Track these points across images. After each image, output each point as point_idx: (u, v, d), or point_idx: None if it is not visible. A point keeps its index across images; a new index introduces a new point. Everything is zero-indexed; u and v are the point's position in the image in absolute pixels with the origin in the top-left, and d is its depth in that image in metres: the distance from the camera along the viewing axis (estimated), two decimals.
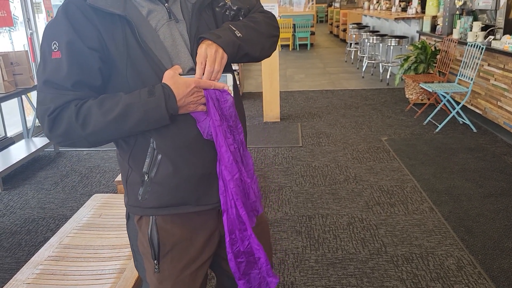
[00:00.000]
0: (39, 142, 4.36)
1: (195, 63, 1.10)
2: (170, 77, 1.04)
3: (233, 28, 1.15)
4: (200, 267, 1.21)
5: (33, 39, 5.04)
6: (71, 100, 1.01)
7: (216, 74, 1.07)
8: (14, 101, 4.22)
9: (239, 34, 1.14)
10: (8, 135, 4.65)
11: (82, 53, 1.01)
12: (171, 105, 1.02)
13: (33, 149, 4.14)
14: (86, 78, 1.03)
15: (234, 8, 1.24)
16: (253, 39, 1.18)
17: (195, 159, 1.12)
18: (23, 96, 4.20)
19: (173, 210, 1.15)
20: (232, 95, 1.11)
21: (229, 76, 1.12)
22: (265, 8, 1.35)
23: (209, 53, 1.06)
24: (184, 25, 1.14)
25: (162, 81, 1.05)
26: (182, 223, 1.17)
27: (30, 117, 4.68)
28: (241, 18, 1.25)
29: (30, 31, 4.99)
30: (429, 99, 5.59)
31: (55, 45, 1.02)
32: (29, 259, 1.83)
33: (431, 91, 4.92)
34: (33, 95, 4.65)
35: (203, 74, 1.06)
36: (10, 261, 2.63)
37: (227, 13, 1.23)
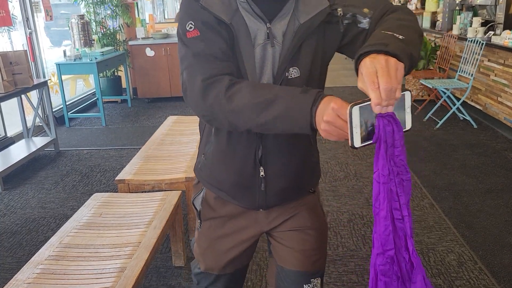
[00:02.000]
0: (39, 141, 4.36)
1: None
2: (332, 97, 0.91)
3: (389, 32, 0.92)
4: (234, 247, 1.30)
5: (32, 39, 5.04)
6: (225, 72, 1.03)
7: (395, 93, 0.79)
8: (13, 101, 4.21)
9: (401, 36, 0.91)
10: (8, 135, 4.65)
11: (216, 31, 1.06)
12: (315, 111, 0.90)
13: (33, 149, 4.14)
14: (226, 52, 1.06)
15: (347, 16, 1.08)
16: (415, 40, 0.96)
17: (232, 167, 1.19)
18: (23, 96, 4.20)
19: (216, 192, 1.26)
20: (411, 125, 0.86)
21: (408, 95, 0.85)
22: None
23: (379, 66, 0.80)
24: (279, 49, 1.07)
25: None
26: (223, 205, 1.27)
27: (30, 116, 4.67)
28: (360, 26, 1.07)
29: (29, 30, 4.99)
30: (429, 95, 5.58)
31: (190, 25, 1.06)
32: (30, 259, 1.83)
33: (431, 87, 4.91)
34: (33, 94, 4.65)
35: (381, 96, 0.79)
36: (11, 261, 2.63)
37: (340, 24, 1.08)
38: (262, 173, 1.17)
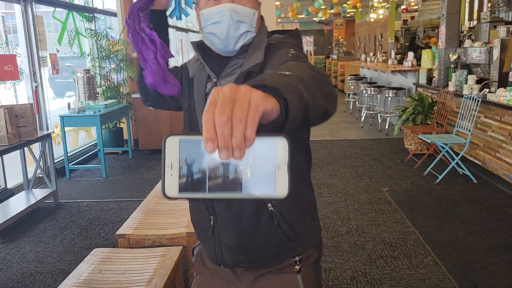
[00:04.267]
0: (39, 193, 4.34)
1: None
2: None
3: (278, 72, 0.76)
4: None
5: (38, 92, 5.15)
6: None
7: (241, 131, 0.50)
8: (15, 152, 4.24)
9: (287, 72, 0.75)
10: (8, 186, 4.64)
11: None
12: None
13: (33, 201, 4.12)
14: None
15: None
16: (309, 82, 0.76)
17: (194, 210, 1.28)
18: (25, 147, 4.24)
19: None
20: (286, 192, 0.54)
21: (281, 142, 0.54)
22: None
23: (222, 93, 0.52)
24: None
25: None
26: (208, 259, 1.31)
27: (31, 168, 4.68)
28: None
29: (36, 84, 5.10)
30: (428, 150, 5.63)
31: None
32: None
33: (430, 142, 4.97)
34: (35, 146, 4.69)
35: (214, 130, 0.52)
36: None
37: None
38: (211, 222, 1.20)
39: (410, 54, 8.27)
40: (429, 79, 6.74)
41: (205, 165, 0.53)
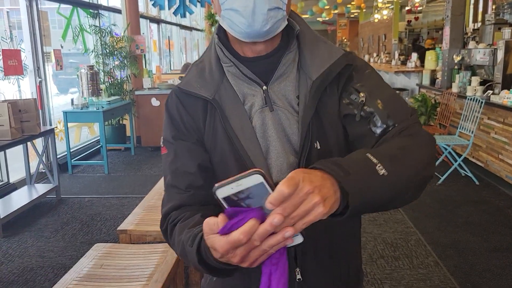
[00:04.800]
0: (41, 188, 4.35)
1: (300, 162, 0.89)
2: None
3: (373, 159, 0.71)
4: None
5: (42, 87, 5.16)
6: (178, 204, 0.92)
7: (303, 210, 0.59)
8: (18, 147, 4.25)
9: (383, 171, 0.70)
10: (11, 180, 4.65)
11: (183, 148, 0.95)
12: (210, 258, 0.71)
13: (35, 196, 4.13)
14: (189, 177, 0.93)
15: (367, 110, 0.87)
16: (402, 180, 0.73)
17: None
18: (28, 142, 4.25)
19: None
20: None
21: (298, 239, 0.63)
22: None
23: (304, 184, 0.59)
24: (285, 112, 0.91)
25: None
26: None
27: (34, 162, 4.70)
28: (372, 129, 0.86)
29: (40, 79, 5.12)
30: None
31: (162, 140, 0.99)
32: None
33: None
34: (38, 141, 4.70)
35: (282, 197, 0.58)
36: None
37: (354, 112, 0.88)
38: (299, 276, 0.93)
39: (414, 55, 8.26)
40: (433, 80, 6.73)
41: (252, 200, 0.61)
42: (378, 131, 0.86)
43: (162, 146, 0.98)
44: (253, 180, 0.59)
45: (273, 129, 0.91)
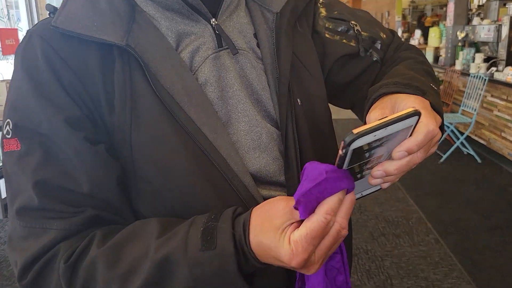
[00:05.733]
0: None
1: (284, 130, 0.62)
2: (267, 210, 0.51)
3: (421, 77, 0.62)
4: None
5: None
6: (65, 234, 0.56)
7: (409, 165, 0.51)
8: None
9: (435, 87, 0.63)
10: None
11: (63, 134, 0.56)
12: (250, 265, 0.51)
13: None
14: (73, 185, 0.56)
15: (365, 39, 0.73)
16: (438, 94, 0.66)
17: None
18: None
19: None
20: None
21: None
22: None
23: (426, 131, 0.50)
24: (249, 57, 0.64)
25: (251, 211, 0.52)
26: None
27: None
28: (374, 57, 0.74)
29: None
30: None
31: (7, 127, 0.57)
32: None
33: None
34: None
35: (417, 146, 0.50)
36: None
37: (354, 47, 0.73)
38: None
39: (417, 32, 8.15)
40: (436, 58, 6.65)
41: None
42: (380, 56, 0.75)
43: (7, 137, 0.57)
44: (408, 122, 0.47)
45: (238, 85, 0.62)
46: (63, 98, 0.56)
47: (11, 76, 0.61)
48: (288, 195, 0.61)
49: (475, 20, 5.98)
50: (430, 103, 0.56)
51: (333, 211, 0.46)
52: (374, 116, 0.52)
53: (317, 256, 0.48)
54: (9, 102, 0.58)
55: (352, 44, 0.73)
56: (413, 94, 0.55)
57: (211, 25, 0.62)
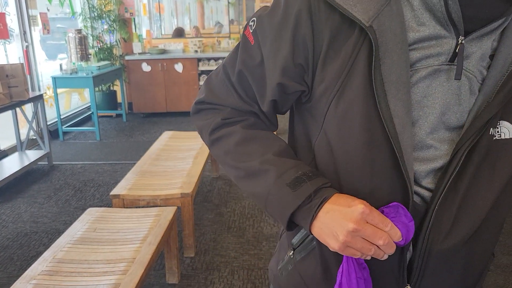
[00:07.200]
0: (33, 155, 4.32)
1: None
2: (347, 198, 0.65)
3: None
4: None
5: (29, 52, 5.04)
6: (231, 106, 0.78)
7: None
8: (7, 113, 4.19)
9: None
10: (1, 148, 4.61)
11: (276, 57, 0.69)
12: (301, 219, 0.68)
13: (26, 162, 4.11)
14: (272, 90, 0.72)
15: None
16: None
17: None
18: (17, 109, 4.19)
19: None
20: None
21: None
22: None
23: None
24: (472, 82, 0.63)
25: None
26: None
27: (24, 130, 4.64)
28: None
29: (26, 43, 4.99)
30: None
31: (252, 24, 0.73)
32: (22, 274, 1.80)
33: None
34: (27, 107, 4.63)
35: None
36: (1, 276, 2.58)
37: None
38: None
39: None
40: None
41: None
42: None
43: (251, 31, 0.72)
44: None
45: (439, 98, 0.63)
46: (289, 42, 0.67)
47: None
48: (430, 198, 0.68)
49: None
50: None
51: (388, 239, 0.62)
52: None
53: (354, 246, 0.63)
54: (264, 11, 0.71)
55: None
56: None
57: (457, 41, 0.61)
